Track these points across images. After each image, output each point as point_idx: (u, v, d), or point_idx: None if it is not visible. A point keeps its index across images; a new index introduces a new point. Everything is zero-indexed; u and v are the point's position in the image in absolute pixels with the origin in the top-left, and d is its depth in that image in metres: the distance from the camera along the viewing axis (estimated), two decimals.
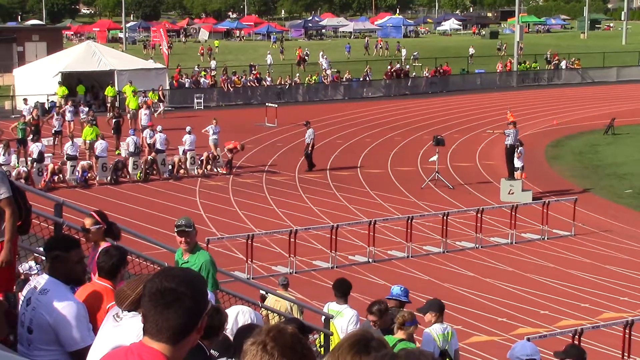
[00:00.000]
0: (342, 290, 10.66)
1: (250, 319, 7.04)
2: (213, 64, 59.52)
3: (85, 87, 43.64)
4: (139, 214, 23.51)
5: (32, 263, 14.22)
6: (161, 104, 42.06)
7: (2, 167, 26.37)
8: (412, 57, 68.89)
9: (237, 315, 7.02)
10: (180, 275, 3.11)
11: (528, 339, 10.58)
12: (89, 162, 28.16)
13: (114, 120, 33.01)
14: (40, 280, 5.50)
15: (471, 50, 71.03)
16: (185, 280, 3.09)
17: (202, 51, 75.34)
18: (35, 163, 27.24)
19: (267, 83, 50.15)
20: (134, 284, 5.12)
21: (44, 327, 5.28)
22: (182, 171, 29.11)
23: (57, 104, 36.98)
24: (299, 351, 3.04)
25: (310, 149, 30.30)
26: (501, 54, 71.06)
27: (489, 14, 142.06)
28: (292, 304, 12.56)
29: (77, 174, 27.39)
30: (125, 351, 3.19)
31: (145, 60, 52.12)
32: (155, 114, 39.47)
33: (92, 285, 5.99)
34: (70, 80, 42.75)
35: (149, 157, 28.78)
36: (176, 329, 3.05)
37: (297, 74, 53.27)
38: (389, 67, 55.48)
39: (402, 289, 10.53)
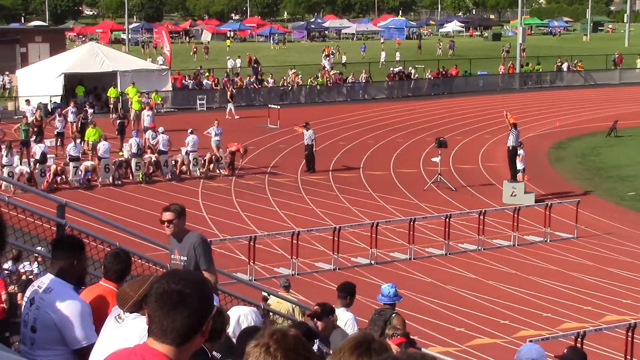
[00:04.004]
0: (342, 294, 10.65)
1: (252, 320, 7.03)
2: (238, 62, 61.23)
3: (85, 88, 43.62)
4: (141, 215, 23.50)
5: (35, 265, 14.13)
6: (230, 104, 42.47)
7: (5, 167, 26.42)
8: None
9: (239, 317, 7.01)
10: (187, 278, 3.12)
11: (530, 342, 10.55)
12: (91, 163, 28.19)
13: (118, 122, 33.04)
14: (44, 280, 5.49)
15: (397, 55, 68.58)
16: (191, 282, 3.10)
17: (195, 50, 75.60)
18: (38, 164, 27.27)
19: (270, 84, 50.14)
20: (136, 285, 5.10)
21: (48, 326, 5.27)
22: (184, 172, 29.11)
23: None
24: (301, 354, 3.04)
25: (313, 150, 30.32)
26: (512, 55, 70.48)
27: (492, 16, 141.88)
28: (294, 305, 12.56)
29: (79, 175, 27.40)
30: (129, 353, 3.19)
31: (145, 60, 52.15)
32: (234, 111, 40.87)
33: (98, 288, 5.98)
34: (71, 81, 42.77)
35: (152, 157, 28.78)
36: (181, 331, 3.06)
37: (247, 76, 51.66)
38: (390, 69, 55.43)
39: (392, 290, 10.21)
